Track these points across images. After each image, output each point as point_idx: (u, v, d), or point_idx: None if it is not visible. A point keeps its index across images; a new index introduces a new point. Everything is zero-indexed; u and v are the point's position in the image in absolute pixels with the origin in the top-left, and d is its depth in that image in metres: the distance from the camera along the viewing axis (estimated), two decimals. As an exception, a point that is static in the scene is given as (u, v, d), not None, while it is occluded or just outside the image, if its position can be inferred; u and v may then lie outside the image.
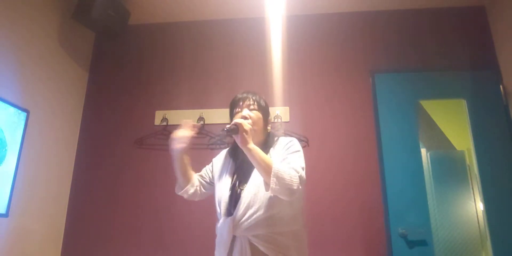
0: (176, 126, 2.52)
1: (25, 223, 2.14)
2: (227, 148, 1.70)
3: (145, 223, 2.41)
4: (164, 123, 2.59)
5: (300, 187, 1.35)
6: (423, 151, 2.47)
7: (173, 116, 2.60)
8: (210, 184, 1.67)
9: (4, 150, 2.01)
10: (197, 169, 1.80)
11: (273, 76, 2.63)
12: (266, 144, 1.53)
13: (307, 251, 1.47)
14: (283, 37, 2.71)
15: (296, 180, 1.34)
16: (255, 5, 2.68)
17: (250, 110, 1.53)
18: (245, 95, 1.58)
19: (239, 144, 1.38)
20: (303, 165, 1.44)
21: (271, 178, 1.32)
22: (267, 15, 2.76)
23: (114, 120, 2.68)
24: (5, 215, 2.00)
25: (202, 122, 2.54)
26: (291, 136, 2.44)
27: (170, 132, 2.54)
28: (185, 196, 1.64)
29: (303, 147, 2.43)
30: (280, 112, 2.51)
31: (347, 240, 2.25)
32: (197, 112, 2.59)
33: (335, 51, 2.67)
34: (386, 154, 2.37)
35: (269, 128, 1.59)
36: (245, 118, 1.48)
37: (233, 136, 1.40)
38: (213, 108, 2.59)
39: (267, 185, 1.35)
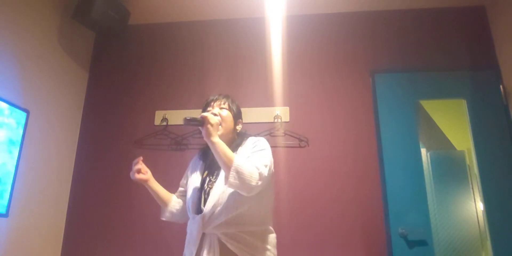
0: (176, 126, 2.57)
1: (25, 223, 2.14)
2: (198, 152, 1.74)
3: (145, 223, 2.41)
4: (164, 123, 2.59)
5: (259, 183, 1.38)
6: (423, 151, 2.47)
7: (173, 116, 2.60)
8: None
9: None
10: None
11: (273, 76, 2.63)
12: (235, 143, 1.59)
13: (275, 253, 1.49)
14: (283, 37, 2.71)
15: (255, 177, 1.37)
16: (255, 5, 2.67)
17: (220, 108, 1.60)
18: (216, 96, 1.65)
19: (204, 137, 1.42)
20: (267, 163, 1.46)
21: (230, 172, 1.35)
22: (267, 15, 2.76)
23: (114, 120, 2.68)
24: (5, 215, 1.99)
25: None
26: (292, 136, 2.46)
27: (170, 132, 2.57)
28: (164, 219, 1.70)
29: (303, 147, 2.46)
30: (280, 112, 2.51)
31: (347, 240, 2.25)
32: (197, 112, 2.55)
33: (335, 51, 2.67)
34: (386, 154, 2.37)
35: (238, 128, 1.65)
36: (214, 114, 1.53)
37: (200, 128, 1.44)
38: (213, 108, 2.59)
39: (226, 179, 1.37)
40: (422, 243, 2.19)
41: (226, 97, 1.66)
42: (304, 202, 2.34)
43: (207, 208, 1.44)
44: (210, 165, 1.60)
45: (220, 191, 1.46)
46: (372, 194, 2.32)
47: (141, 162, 1.60)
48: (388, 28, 2.68)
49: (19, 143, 2.09)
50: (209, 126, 1.40)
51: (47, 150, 2.35)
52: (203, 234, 1.44)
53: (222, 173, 1.49)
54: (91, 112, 2.73)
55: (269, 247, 1.47)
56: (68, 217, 2.49)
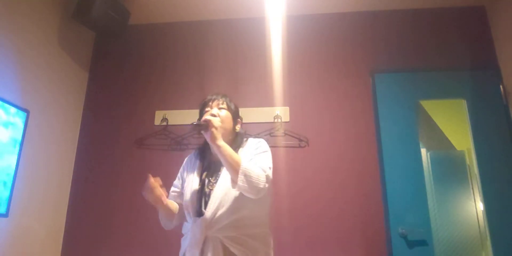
0: (176, 126, 2.57)
1: (25, 223, 2.14)
2: (194, 152, 1.70)
3: (145, 223, 2.41)
4: (164, 123, 2.59)
5: (267, 186, 1.40)
6: (423, 151, 2.47)
7: (173, 116, 2.60)
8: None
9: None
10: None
11: (273, 76, 2.63)
12: (235, 143, 1.57)
13: (272, 254, 1.51)
14: (283, 37, 2.71)
15: (263, 179, 1.38)
16: (255, 5, 2.67)
17: (219, 109, 1.58)
18: (214, 96, 1.63)
19: (209, 140, 1.41)
20: (271, 165, 1.48)
21: (239, 176, 1.35)
22: (267, 15, 2.76)
23: (114, 120, 2.68)
24: (5, 215, 2.00)
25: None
26: (292, 136, 2.46)
27: (170, 132, 2.57)
28: (168, 229, 1.62)
29: (303, 147, 2.46)
30: (280, 112, 2.50)
31: (347, 240, 2.25)
32: (197, 112, 2.57)
33: (335, 51, 2.67)
34: (386, 154, 2.37)
35: (237, 128, 1.63)
36: (213, 115, 1.52)
37: (203, 133, 1.42)
38: (213, 108, 2.59)
39: (233, 182, 1.38)
40: (422, 243, 2.19)
41: (224, 96, 1.64)
42: (304, 202, 2.34)
43: (209, 211, 1.42)
44: (209, 165, 1.56)
45: (222, 193, 1.44)
46: (372, 194, 2.32)
47: (155, 182, 1.49)
48: (388, 28, 2.68)
49: (20, 143, 2.09)
50: (213, 129, 1.39)
51: (47, 150, 2.35)
52: (206, 237, 1.41)
53: (223, 175, 1.48)
54: (91, 112, 2.73)
55: (269, 249, 1.49)
56: (68, 217, 2.49)
